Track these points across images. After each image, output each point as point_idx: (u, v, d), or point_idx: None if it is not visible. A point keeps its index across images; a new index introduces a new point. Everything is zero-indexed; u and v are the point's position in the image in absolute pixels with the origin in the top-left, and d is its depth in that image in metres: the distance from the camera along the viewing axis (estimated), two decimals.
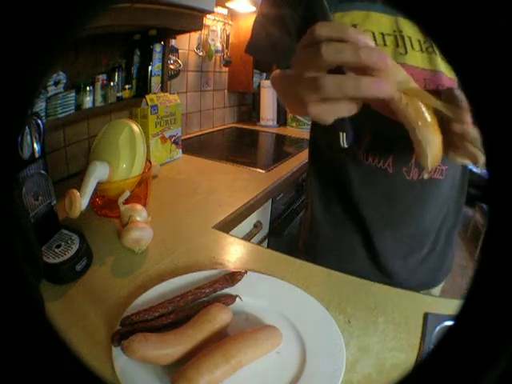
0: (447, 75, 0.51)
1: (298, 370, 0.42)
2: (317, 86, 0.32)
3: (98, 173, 0.73)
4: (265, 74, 1.99)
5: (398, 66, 0.36)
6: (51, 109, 0.88)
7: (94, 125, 1.08)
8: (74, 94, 0.94)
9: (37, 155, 0.59)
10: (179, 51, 1.44)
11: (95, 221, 0.77)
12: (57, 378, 0.15)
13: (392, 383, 0.16)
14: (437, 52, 0.51)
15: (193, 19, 1.12)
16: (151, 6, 0.94)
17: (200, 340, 0.42)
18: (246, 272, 0.54)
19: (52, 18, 0.13)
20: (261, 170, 1.20)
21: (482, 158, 0.38)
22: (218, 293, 0.51)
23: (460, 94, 0.36)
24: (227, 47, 1.77)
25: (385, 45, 0.51)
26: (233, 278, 0.52)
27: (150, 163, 0.87)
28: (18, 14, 0.12)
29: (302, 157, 1.39)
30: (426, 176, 0.40)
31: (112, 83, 1.06)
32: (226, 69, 1.84)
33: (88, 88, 0.99)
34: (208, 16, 1.47)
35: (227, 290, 0.52)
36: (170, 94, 1.24)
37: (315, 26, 0.33)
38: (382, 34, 0.51)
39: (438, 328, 0.49)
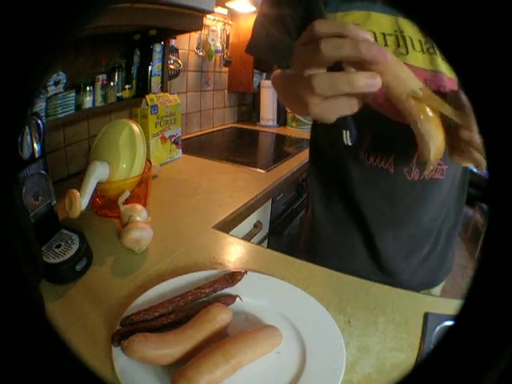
0: (448, 75, 0.51)
1: (297, 370, 0.42)
2: (312, 86, 0.33)
3: (98, 173, 0.73)
4: (265, 74, 1.99)
5: (401, 64, 0.36)
6: (51, 109, 0.88)
7: (94, 125, 1.08)
8: (74, 94, 0.94)
9: (37, 155, 0.59)
10: (179, 51, 1.44)
11: (95, 221, 0.77)
12: (57, 378, 0.15)
13: (392, 383, 0.16)
14: (437, 52, 0.51)
15: (193, 19, 1.12)
16: (151, 5, 0.94)
17: (200, 340, 0.42)
18: (245, 272, 0.54)
19: (52, 18, 0.13)
20: (261, 170, 1.20)
21: (485, 164, 0.38)
22: (218, 293, 0.51)
23: (465, 98, 0.36)
24: (227, 47, 1.77)
25: (386, 45, 0.51)
26: (233, 278, 0.52)
27: (150, 163, 0.87)
28: (18, 14, 0.12)
29: (302, 157, 1.39)
30: (429, 171, 0.40)
31: (112, 83, 1.06)
32: (226, 69, 1.84)
33: (88, 88, 0.99)
34: (208, 16, 1.47)
35: (227, 290, 0.52)
36: (170, 94, 1.24)
37: (314, 23, 0.33)
38: (384, 34, 0.51)
39: (438, 328, 0.49)
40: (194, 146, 1.48)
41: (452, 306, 0.54)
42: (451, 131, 0.37)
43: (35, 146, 0.58)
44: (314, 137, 0.73)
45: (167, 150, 1.22)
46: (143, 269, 0.61)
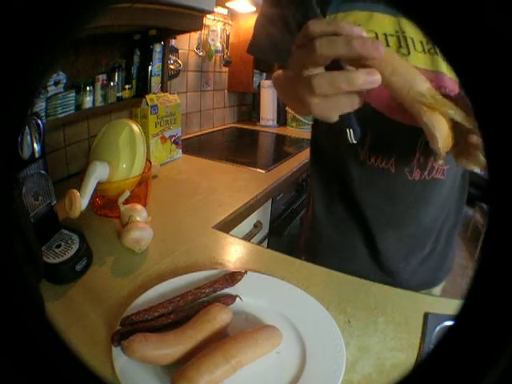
0: (449, 76, 0.51)
1: (298, 370, 0.42)
2: (311, 86, 0.33)
3: (98, 173, 0.73)
4: (265, 74, 1.99)
5: (404, 62, 0.36)
6: (51, 109, 0.88)
7: (94, 125, 1.08)
8: (74, 94, 0.94)
9: (37, 155, 0.59)
10: (179, 51, 1.44)
11: (95, 221, 0.77)
12: (57, 378, 0.15)
13: (392, 383, 0.16)
14: (438, 53, 0.51)
15: (193, 19, 1.12)
16: (151, 6, 0.94)
17: (200, 340, 0.42)
18: (245, 272, 0.54)
19: (52, 18, 0.13)
20: (261, 170, 1.20)
21: None
22: (218, 293, 0.51)
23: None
24: (227, 47, 1.77)
25: (388, 45, 0.51)
26: (233, 278, 0.52)
27: (150, 163, 0.87)
28: (19, 14, 0.12)
29: (302, 157, 1.39)
30: (440, 162, 0.39)
31: (112, 83, 1.06)
32: (226, 69, 1.84)
33: (88, 88, 0.99)
34: (208, 16, 1.47)
35: (227, 290, 0.52)
36: (170, 94, 1.24)
37: (308, 23, 0.34)
38: (385, 35, 0.51)
39: (438, 328, 0.49)
40: (193, 146, 1.48)
41: (452, 305, 0.54)
42: (458, 134, 0.37)
43: (35, 145, 0.58)
44: (314, 137, 0.73)
45: (167, 150, 1.22)
46: (143, 269, 0.61)
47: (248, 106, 2.14)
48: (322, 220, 0.69)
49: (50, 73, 0.59)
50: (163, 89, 1.26)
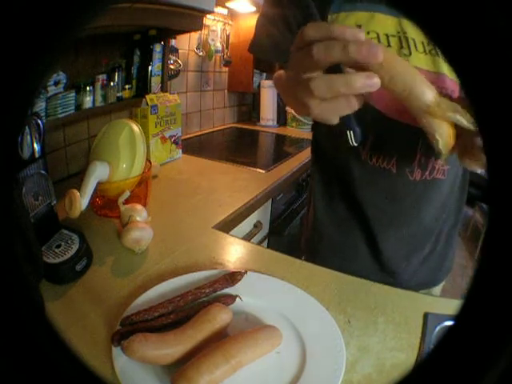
0: (450, 77, 0.51)
1: (298, 370, 0.42)
2: (310, 88, 0.33)
3: (98, 173, 0.73)
4: (265, 74, 1.99)
5: (405, 64, 0.36)
6: (51, 109, 0.88)
7: (94, 125, 1.08)
8: (74, 94, 0.94)
9: (37, 155, 0.59)
10: (179, 51, 1.44)
11: (95, 221, 0.77)
12: (57, 378, 0.15)
13: (392, 383, 0.16)
14: (440, 54, 0.51)
15: (193, 19, 1.12)
16: (151, 6, 0.94)
17: (200, 340, 0.42)
18: (245, 272, 0.54)
19: (52, 18, 0.13)
20: (261, 170, 1.20)
21: None
22: (218, 293, 0.51)
23: None
24: (227, 47, 1.77)
25: (389, 46, 0.51)
26: (233, 278, 0.52)
27: (150, 163, 0.87)
28: (19, 14, 0.12)
29: (302, 157, 1.39)
30: (442, 161, 0.39)
31: (112, 83, 1.06)
32: (226, 69, 1.84)
33: (88, 88, 0.99)
34: (208, 16, 1.47)
35: (227, 290, 0.52)
36: (170, 94, 1.24)
37: (304, 27, 0.33)
38: (387, 35, 0.51)
39: (438, 328, 0.49)
40: (194, 146, 1.48)
41: (452, 305, 0.54)
42: (462, 135, 0.37)
43: (35, 145, 0.58)
44: (315, 136, 0.73)
45: (167, 150, 1.22)
46: (143, 269, 0.61)
47: (248, 106, 2.14)
48: (323, 220, 0.70)
49: (49, 73, 0.59)
50: (163, 89, 1.26)
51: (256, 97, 2.03)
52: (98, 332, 0.46)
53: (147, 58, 1.17)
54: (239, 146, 1.69)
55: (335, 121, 0.36)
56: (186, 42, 1.52)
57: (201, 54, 1.61)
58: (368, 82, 0.32)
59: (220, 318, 0.44)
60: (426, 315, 0.51)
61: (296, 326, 0.47)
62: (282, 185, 1.15)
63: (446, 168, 0.58)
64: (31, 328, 0.15)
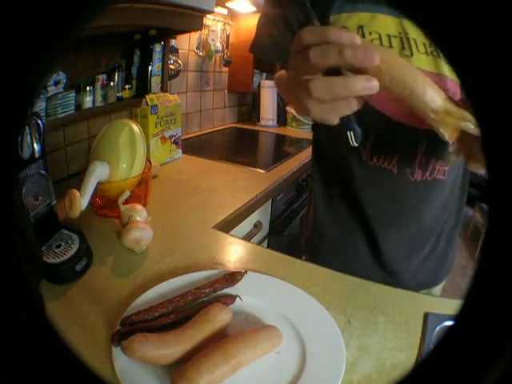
0: (451, 78, 0.51)
1: (297, 370, 0.42)
2: (309, 90, 0.33)
3: (98, 173, 0.73)
4: (265, 74, 1.99)
5: (407, 64, 0.36)
6: (51, 109, 0.88)
7: (94, 125, 1.08)
8: (74, 94, 0.94)
9: (37, 155, 0.59)
10: (179, 51, 1.44)
11: (95, 221, 0.77)
12: (57, 378, 0.15)
13: (392, 383, 0.16)
14: (441, 55, 0.51)
15: (193, 19, 1.12)
16: (151, 5, 0.94)
17: (200, 340, 0.42)
18: (245, 272, 0.54)
19: (52, 18, 0.13)
20: (261, 170, 1.20)
21: None
22: (218, 293, 0.51)
23: None
24: (227, 47, 1.77)
25: (391, 46, 0.51)
26: (233, 278, 0.52)
27: (150, 163, 0.87)
28: (19, 13, 0.12)
29: (302, 157, 1.39)
30: (451, 149, 0.39)
31: (112, 83, 1.06)
32: (226, 69, 1.84)
33: (88, 88, 0.99)
34: (208, 16, 1.47)
35: (227, 290, 0.52)
36: (170, 94, 1.24)
37: (300, 31, 0.34)
38: (388, 36, 0.51)
39: (438, 328, 0.49)
40: (194, 146, 1.48)
41: (452, 305, 0.54)
42: (469, 140, 0.37)
43: (35, 145, 0.58)
44: (316, 136, 0.73)
45: (167, 150, 1.22)
46: (143, 269, 0.61)
47: (248, 106, 2.14)
48: (323, 219, 0.70)
49: (49, 73, 0.59)
50: (163, 89, 1.26)
51: (256, 97, 2.03)
52: (98, 332, 0.46)
53: (147, 58, 1.17)
54: (239, 146, 1.69)
55: (335, 121, 0.36)
56: (186, 42, 1.52)
57: (201, 53, 1.61)
58: (367, 85, 0.32)
59: (220, 318, 0.44)
60: (426, 315, 0.51)
61: (296, 326, 0.47)
62: (281, 185, 1.15)
63: (446, 168, 0.58)
64: (31, 328, 0.15)
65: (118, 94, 1.10)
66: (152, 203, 0.86)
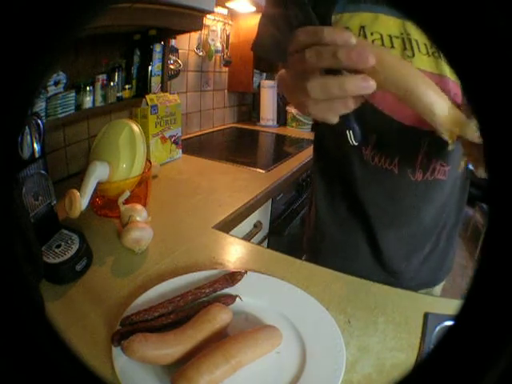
0: (452, 79, 0.51)
1: (297, 370, 0.42)
2: (306, 90, 0.33)
3: (98, 173, 0.73)
4: (265, 74, 1.99)
5: (408, 65, 0.36)
6: (51, 109, 0.88)
7: (94, 125, 1.08)
8: (74, 94, 0.94)
9: (37, 155, 0.59)
10: (179, 51, 1.44)
11: (95, 221, 0.77)
12: (57, 378, 0.15)
13: (392, 383, 0.16)
14: (442, 56, 0.51)
15: (193, 19, 1.12)
16: (151, 5, 0.94)
17: (200, 340, 0.42)
18: (245, 272, 0.54)
19: (52, 18, 0.13)
20: (261, 170, 1.20)
21: None
22: (218, 293, 0.51)
23: None
24: (227, 47, 1.77)
25: (392, 47, 0.51)
26: (233, 278, 0.52)
27: (150, 163, 0.87)
28: (18, 13, 0.12)
29: (302, 157, 1.39)
30: (450, 148, 0.39)
31: (112, 83, 1.06)
32: (226, 69, 1.84)
33: (88, 88, 0.99)
34: (208, 16, 1.47)
35: (227, 290, 0.52)
36: (170, 94, 1.24)
37: (296, 32, 0.34)
38: (390, 37, 0.51)
39: (438, 328, 0.49)
40: (194, 146, 1.48)
41: (452, 305, 0.54)
42: (476, 147, 0.37)
43: (35, 145, 0.58)
44: (317, 136, 0.74)
45: (167, 150, 1.22)
46: (143, 269, 0.61)
47: (248, 106, 2.14)
48: (325, 219, 0.70)
49: (49, 73, 0.59)
50: (163, 89, 1.26)
51: (256, 97, 2.03)
52: (98, 332, 0.46)
53: (147, 58, 1.17)
54: (239, 146, 1.69)
55: (334, 120, 0.36)
56: (186, 42, 1.52)
57: (201, 53, 1.61)
58: (363, 85, 0.32)
59: (220, 318, 0.44)
60: (426, 315, 0.51)
61: (296, 326, 0.47)
62: (282, 185, 1.15)
63: (447, 168, 0.58)
64: (31, 328, 0.15)
65: (118, 94, 1.10)
66: (152, 203, 0.86)
